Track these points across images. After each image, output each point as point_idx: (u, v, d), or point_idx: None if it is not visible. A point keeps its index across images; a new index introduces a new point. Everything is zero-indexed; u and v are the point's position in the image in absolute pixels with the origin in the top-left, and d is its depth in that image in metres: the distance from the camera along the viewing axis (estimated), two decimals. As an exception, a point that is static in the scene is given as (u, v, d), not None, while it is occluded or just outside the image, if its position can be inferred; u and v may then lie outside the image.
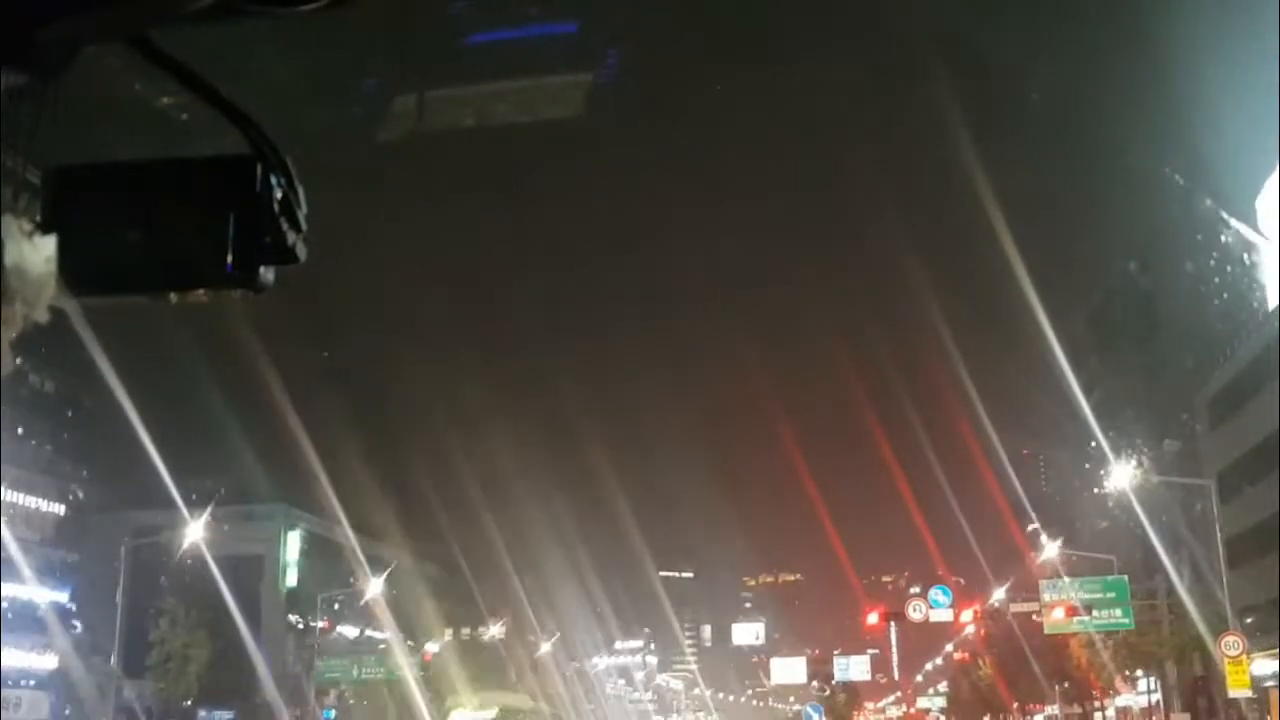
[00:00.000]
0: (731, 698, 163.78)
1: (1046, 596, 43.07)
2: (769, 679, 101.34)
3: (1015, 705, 67.52)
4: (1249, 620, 43.40)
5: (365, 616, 65.70)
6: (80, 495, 61.38)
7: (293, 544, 71.28)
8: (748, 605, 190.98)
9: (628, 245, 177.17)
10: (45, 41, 1.91)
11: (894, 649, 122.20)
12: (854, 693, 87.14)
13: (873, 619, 48.96)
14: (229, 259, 2.04)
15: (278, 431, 52.64)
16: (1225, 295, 57.19)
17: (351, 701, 59.90)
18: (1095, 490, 54.46)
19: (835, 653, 79.76)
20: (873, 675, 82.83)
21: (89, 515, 60.21)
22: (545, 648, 75.81)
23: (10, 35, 1.85)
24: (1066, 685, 57.85)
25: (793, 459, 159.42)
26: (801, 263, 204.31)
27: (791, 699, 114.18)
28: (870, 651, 78.89)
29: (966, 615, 49.23)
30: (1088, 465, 68.54)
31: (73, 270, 1.96)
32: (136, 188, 2.13)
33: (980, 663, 72.12)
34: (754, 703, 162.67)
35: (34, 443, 57.72)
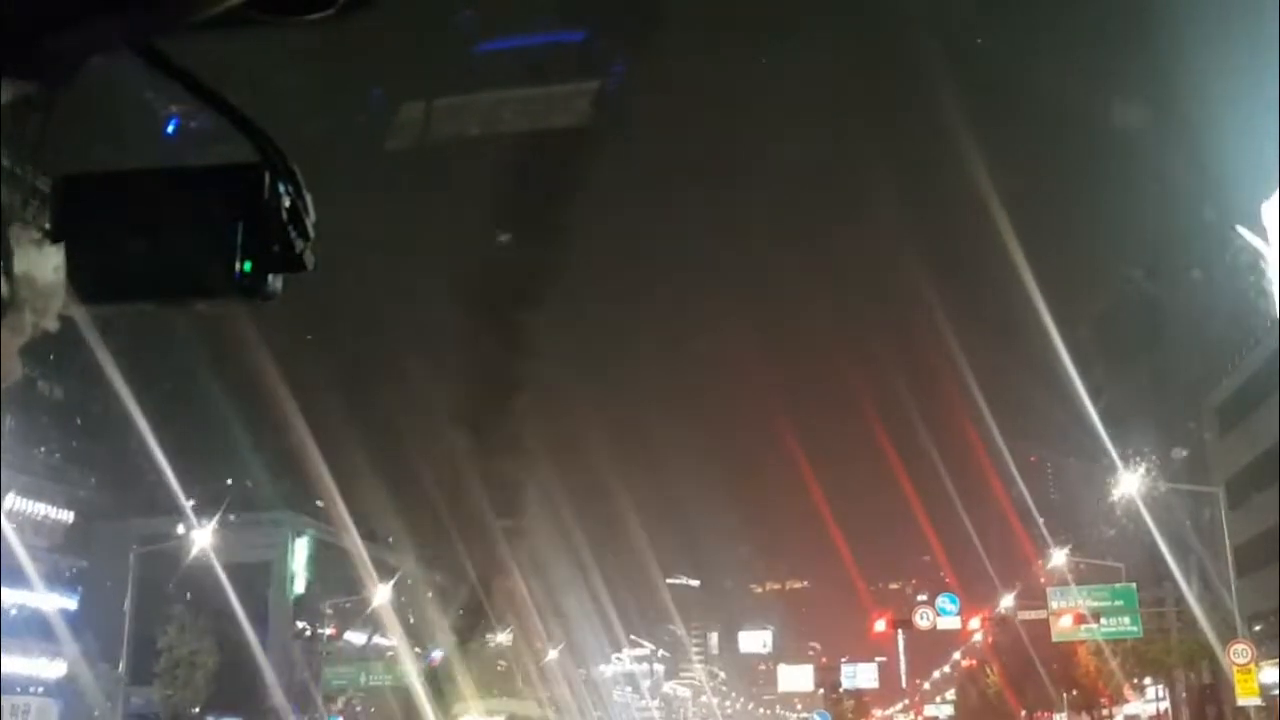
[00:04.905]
0: (739, 705, 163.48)
1: (1054, 604, 42.93)
2: (776, 686, 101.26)
3: (1023, 713, 67.26)
4: (1257, 628, 43.20)
5: (373, 623, 65.64)
6: (88, 502, 61.38)
7: (300, 551, 71.27)
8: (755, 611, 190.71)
9: (632, 252, 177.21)
10: (53, 50, 1.91)
11: (901, 656, 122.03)
12: (861, 700, 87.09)
13: (880, 626, 48.78)
14: (237, 267, 2.04)
15: (286, 438, 52.60)
16: (1232, 302, 56.99)
17: (359, 708, 59.84)
18: (1103, 497, 54.23)
19: (843, 660, 79.73)
20: (880, 683, 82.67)
21: (97, 522, 60.21)
22: (552, 655, 75.66)
23: (18, 44, 1.85)
24: (1074, 693, 57.62)
25: (799, 466, 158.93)
26: (808, 269, 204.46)
27: (799, 706, 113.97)
28: (878, 659, 78.81)
29: (974, 623, 49.09)
30: (1095, 472, 68.34)
31: (81, 278, 1.97)
32: (144, 196, 2.12)
33: (988, 670, 71.90)
34: (761, 710, 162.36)
35: (42, 450, 57.79)
